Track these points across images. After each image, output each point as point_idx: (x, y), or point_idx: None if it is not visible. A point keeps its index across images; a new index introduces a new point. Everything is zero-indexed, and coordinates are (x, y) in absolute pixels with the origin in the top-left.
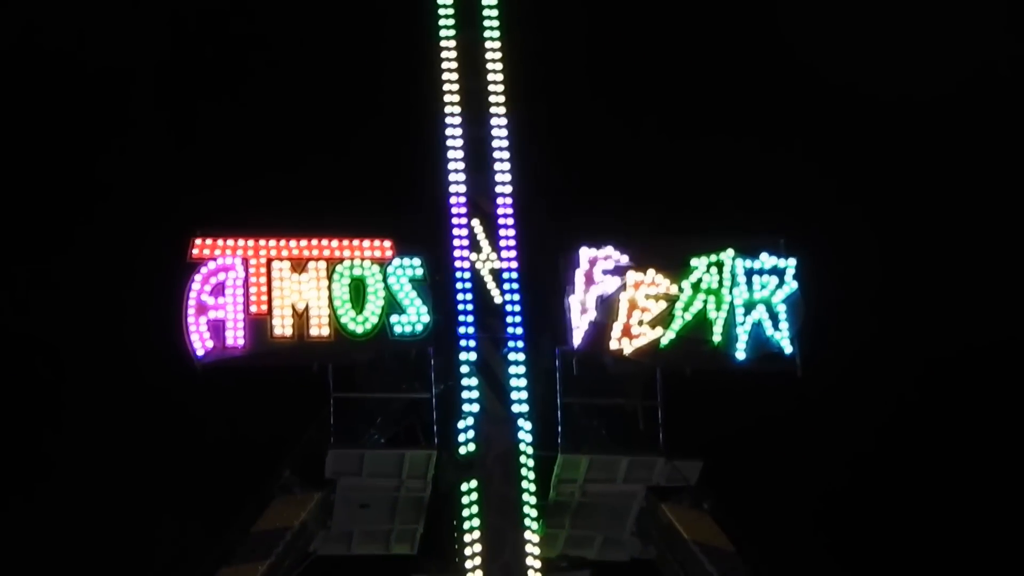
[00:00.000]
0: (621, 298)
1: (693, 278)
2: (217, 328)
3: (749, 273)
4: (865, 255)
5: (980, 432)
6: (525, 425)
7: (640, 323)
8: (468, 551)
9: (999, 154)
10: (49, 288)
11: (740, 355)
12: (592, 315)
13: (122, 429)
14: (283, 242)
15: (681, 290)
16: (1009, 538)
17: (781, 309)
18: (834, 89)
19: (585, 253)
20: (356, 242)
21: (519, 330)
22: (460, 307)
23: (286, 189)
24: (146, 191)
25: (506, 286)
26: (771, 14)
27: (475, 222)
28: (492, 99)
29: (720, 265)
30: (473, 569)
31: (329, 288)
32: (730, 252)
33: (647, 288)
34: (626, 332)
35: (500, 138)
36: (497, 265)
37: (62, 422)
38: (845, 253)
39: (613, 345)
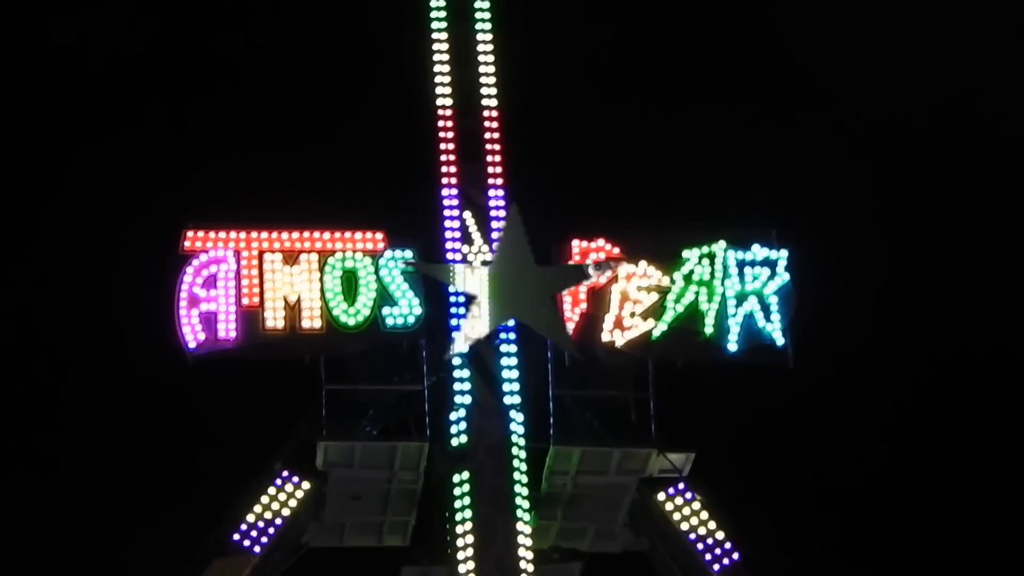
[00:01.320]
0: (613, 290)
1: (685, 270)
2: (209, 320)
3: (741, 264)
4: (860, 247)
5: (974, 426)
6: (517, 417)
7: (632, 315)
8: (460, 543)
9: (999, 146)
10: (40, 278)
11: (732, 347)
12: (584, 307)
13: (114, 421)
14: (275, 234)
15: (673, 282)
16: (1003, 515)
17: (773, 301)
18: (831, 79)
19: (576, 245)
20: (348, 234)
21: (511, 322)
22: (452, 299)
23: (278, 182)
24: (136, 185)
25: None
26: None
27: (467, 214)
28: (484, 90)
29: (712, 257)
30: (465, 560)
31: (321, 280)
32: (722, 244)
33: (639, 280)
34: (618, 324)
35: (492, 129)
36: (489, 257)
37: (54, 412)
38: (838, 245)
39: (605, 337)
